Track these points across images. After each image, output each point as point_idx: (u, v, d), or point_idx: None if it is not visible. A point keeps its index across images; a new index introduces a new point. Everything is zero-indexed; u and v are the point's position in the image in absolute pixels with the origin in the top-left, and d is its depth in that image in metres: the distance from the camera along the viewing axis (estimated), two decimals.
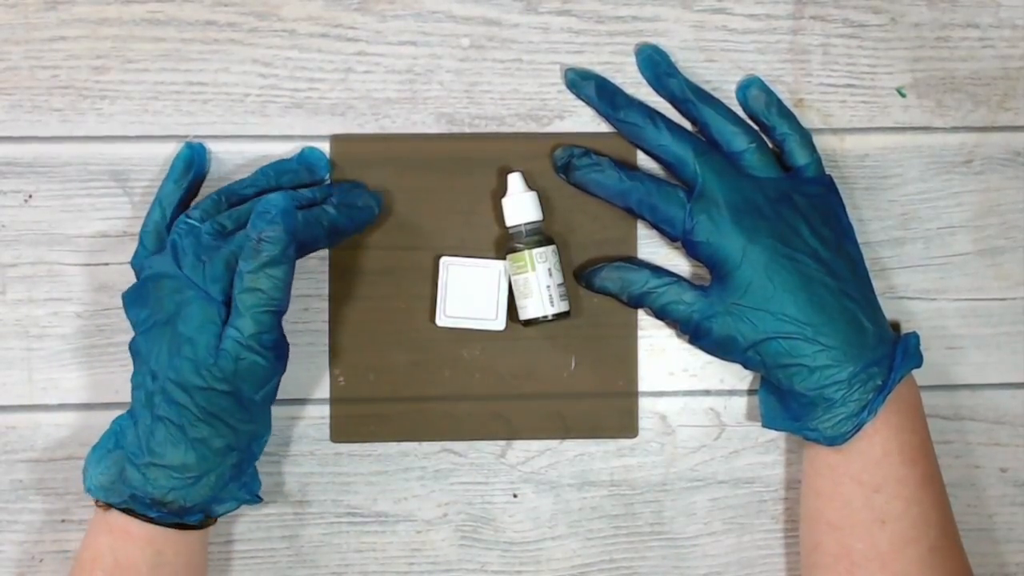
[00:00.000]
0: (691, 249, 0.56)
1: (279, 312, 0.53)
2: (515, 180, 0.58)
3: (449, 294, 0.59)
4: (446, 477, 0.60)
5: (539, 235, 0.58)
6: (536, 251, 0.57)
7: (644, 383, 0.60)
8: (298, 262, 0.59)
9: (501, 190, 0.59)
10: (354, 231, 0.57)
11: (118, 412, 0.55)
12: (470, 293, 0.59)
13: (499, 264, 0.59)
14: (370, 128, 0.60)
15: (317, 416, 0.60)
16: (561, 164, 0.59)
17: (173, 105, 0.59)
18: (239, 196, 0.57)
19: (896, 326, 0.60)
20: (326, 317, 0.59)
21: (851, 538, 0.54)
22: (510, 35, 0.60)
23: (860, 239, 0.58)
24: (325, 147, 0.59)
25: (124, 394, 0.57)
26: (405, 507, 0.60)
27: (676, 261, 0.60)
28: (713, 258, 0.55)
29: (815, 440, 0.55)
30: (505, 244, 0.59)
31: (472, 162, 0.60)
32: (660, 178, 0.58)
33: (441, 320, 0.59)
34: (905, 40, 0.61)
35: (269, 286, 0.52)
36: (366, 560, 0.60)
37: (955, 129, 0.61)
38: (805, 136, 0.58)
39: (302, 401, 0.60)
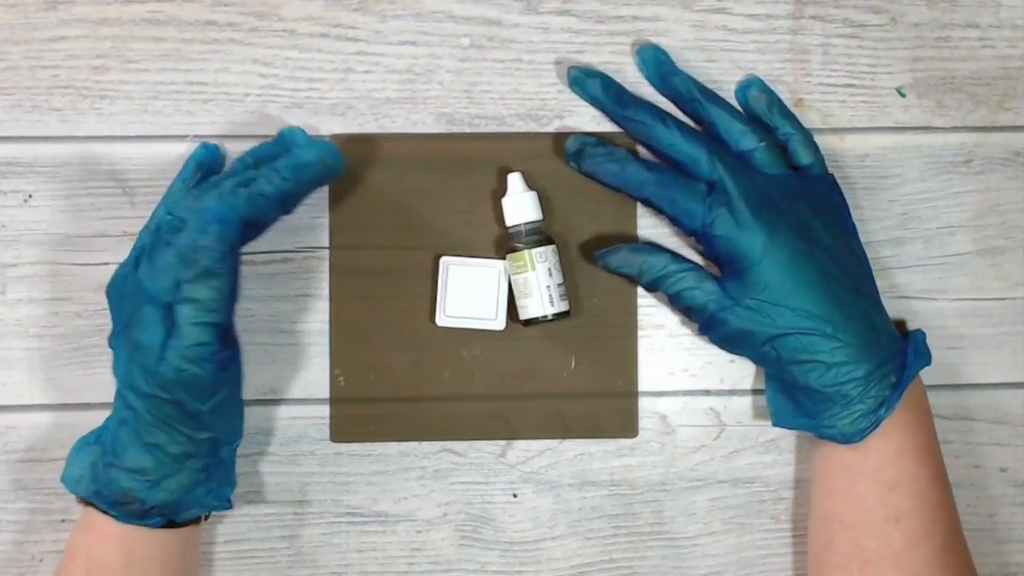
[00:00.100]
0: (708, 243, 0.56)
1: (219, 324, 0.51)
2: (515, 180, 0.58)
3: (449, 294, 0.59)
4: (446, 477, 0.60)
5: (539, 235, 0.58)
6: (536, 251, 0.57)
7: (644, 383, 0.60)
8: (298, 262, 0.59)
9: (501, 190, 0.59)
10: (309, 190, 0.55)
11: None
12: (470, 293, 0.59)
13: (499, 264, 0.59)
14: (370, 128, 0.60)
15: (317, 416, 0.60)
16: (573, 152, 0.58)
17: (173, 105, 0.59)
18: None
19: (902, 324, 0.60)
20: (326, 317, 0.59)
21: (865, 536, 0.54)
22: (510, 35, 0.60)
23: (860, 239, 0.58)
24: None
25: None
26: (405, 507, 0.60)
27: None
28: (731, 253, 0.55)
29: (831, 437, 0.55)
30: (505, 244, 0.59)
31: (472, 162, 0.60)
32: (678, 171, 0.57)
33: (441, 320, 0.59)
34: (905, 40, 0.61)
35: (207, 296, 0.50)
36: (366, 560, 0.60)
37: (955, 129, 0.61)
38: (807, 136, 0.58)
39: (302, 401, 0.60)
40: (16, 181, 0.59)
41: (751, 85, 0.59)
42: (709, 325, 0.56)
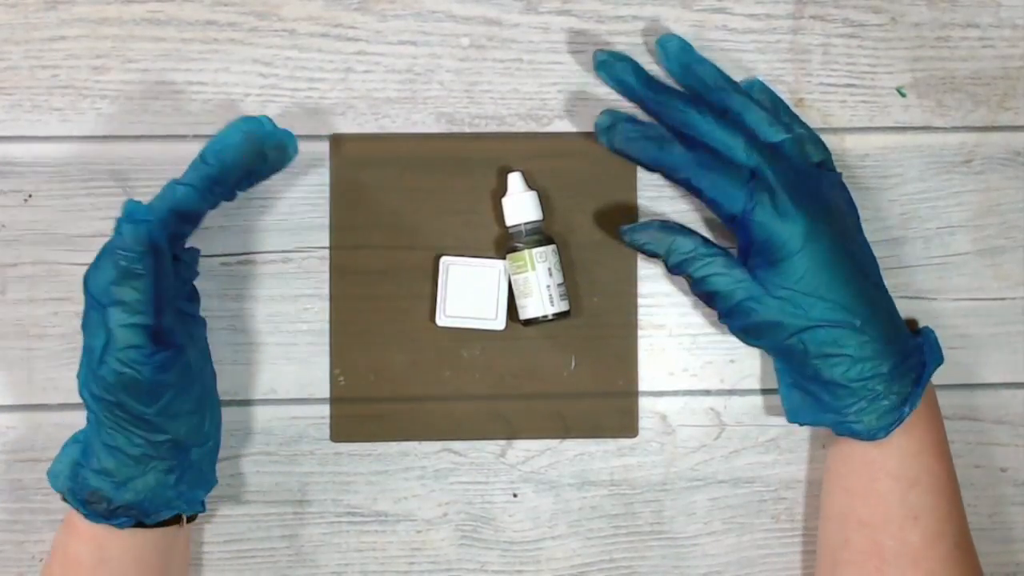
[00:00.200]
0: (745, 229, 0.54)
1: (147, 325, 0.50)
2: (515, 180, 0.58)
3: (449, 294, 0.59)
4: (446, 477, 0.60)
5: (539, 235, 0.58)
6: (536, 251, 0.57)
7: (644, 383, 0.60)
8: (298, 262, 0.59)
9: (501, 190, 0.59)
10: (245, 172, 0.53)
11: None
12: (470, 293, 0.59)
13: (499, 264, 0.59)
14: (370, 128, 0.60)
15: (317, 416, 0.60)
16: (604, 127, 0.56)
17: (173, 105, 0.59)
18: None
19: (913, 322, 0.60)
20: (326, 317, 0.59)
21: (883, 535, 0.54)
22: (510, 35, 0.60)
23: None
24: (325, 147, 0.59)
25: None
26: (405, 507, 0.60)
27: None
28: (769, 241, 0.53)
29: (855, 433, 0.54)
30: (505, 244, 0.59)
31: (472, 162, 0.60)
32: (720, 152, 0.55)
33: (441, 320, 0.59)
34: (905, 40, 0.61)
35: (132, 298, 0.50)
36: (366, 560, 0.60)
37: (955, 129, 0.61)
38: (815, 135, 0.57)
39: (302, 401, 0.60)
40: (16, 181, 0.59)
41: (752, 87, 0.58)
42: (733, 313, 0.55)
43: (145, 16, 0.59)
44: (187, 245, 0.56)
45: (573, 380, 0.60)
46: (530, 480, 0.60)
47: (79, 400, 0.59)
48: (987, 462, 0.61)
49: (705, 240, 0.55)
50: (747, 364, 0.61)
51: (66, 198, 0.59)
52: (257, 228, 0.59)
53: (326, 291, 0.60)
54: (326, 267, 0.60)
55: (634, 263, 0.60)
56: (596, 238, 0.60)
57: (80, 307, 0.58)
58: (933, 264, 0.61)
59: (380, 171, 0.60)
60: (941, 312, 0.61)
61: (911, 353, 0.54)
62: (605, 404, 0.60)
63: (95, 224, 0.59)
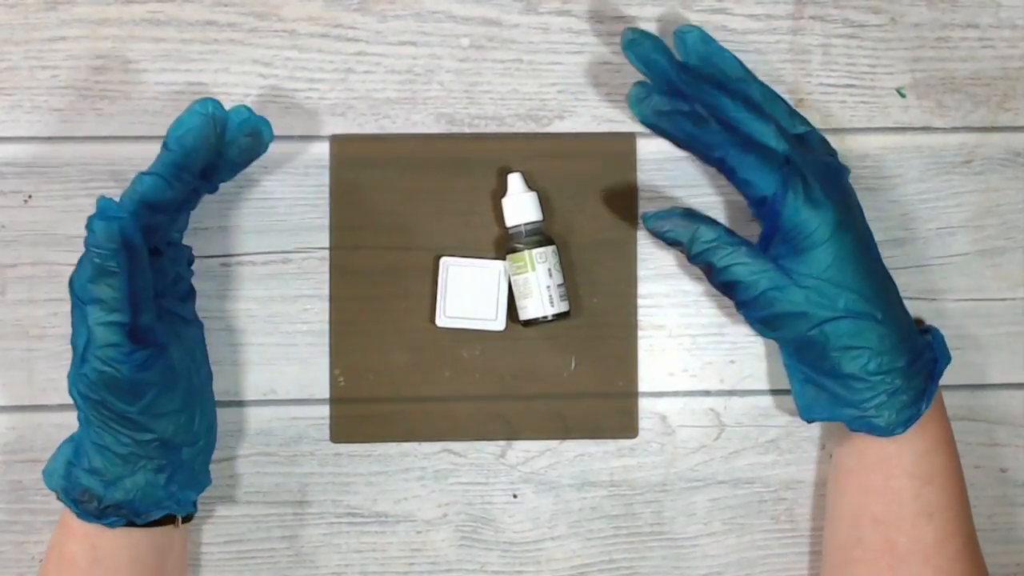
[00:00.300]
0: (773, 215, 0.53)
1: (124, 323, 0.50)
2: (515, 180, 0.58)
3: (449, 294, 0.59)
4: (446, 477, 0.60)
5: (539, 235, 0.58)
6: (536, 251, 0.57)
7: (644, 383, 0.60)
8: (298, 262, 0.59)
9: (501, 190, 0.59)
10: (214, 155, 0.53)
11: None
12: (470, 293, 0.59)
13: (499, 264, 0.59)
14: (370, 128, 0.60)
15: (317, 416, 0.60)
16: (639, 98, 0.56)
17: (173, 105, 0.59)
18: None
19: (919, 321, 0.60)
20: (326, 317, 0.59)
21: (897, 532, 0.54)
22: (510, 35, 0.60)
23: None
24: (325, 147, 0.59)
25: None
26: (405, 507, 0.60)
27: (676, 260, 0.60)
28: (797, 228, 0.53)
29: (874, 428, 0.53)
30: (505, 244, 0.59)
31: (472, 162, 0.60)
32: (753, 136, 0.54)
33: (441, 320, 0.59)
34: (905, 40, 0.61)
35: (108, 296, 0.49)
36: (366, 560, 0.60)
37: (955, 129, 0.61)
38: (819, 133, 0.57)
39: (302, 401, 0.60)
40: (16, 181, 0.59)
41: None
42: (754, 304, 0.54)
43: (145, 16, 0.59)
44: (185, 244, 0.56)
45: (573, 381, 0.60)
46: (530, 481, 0.60)
47: None
48: (988, 462, 0.61)
49: (727, 229, 0.54)
50: (747, 365, 0.61)
51: (66, 199, 0.59)
52: (257, 228, 0.59)
53: (326, 291, 0.60)
54: (326, 267, 0.59)
55: (634, 263, 0.60)
56: (596, 238, 0.60)
57: None
58: (933, 265, 0.61)
59: (380, 172, 0.60)
60: (941, 313, 0.61)
61: (923, 350, 0.55)
62: (605, 405, 0.60)
63: None
